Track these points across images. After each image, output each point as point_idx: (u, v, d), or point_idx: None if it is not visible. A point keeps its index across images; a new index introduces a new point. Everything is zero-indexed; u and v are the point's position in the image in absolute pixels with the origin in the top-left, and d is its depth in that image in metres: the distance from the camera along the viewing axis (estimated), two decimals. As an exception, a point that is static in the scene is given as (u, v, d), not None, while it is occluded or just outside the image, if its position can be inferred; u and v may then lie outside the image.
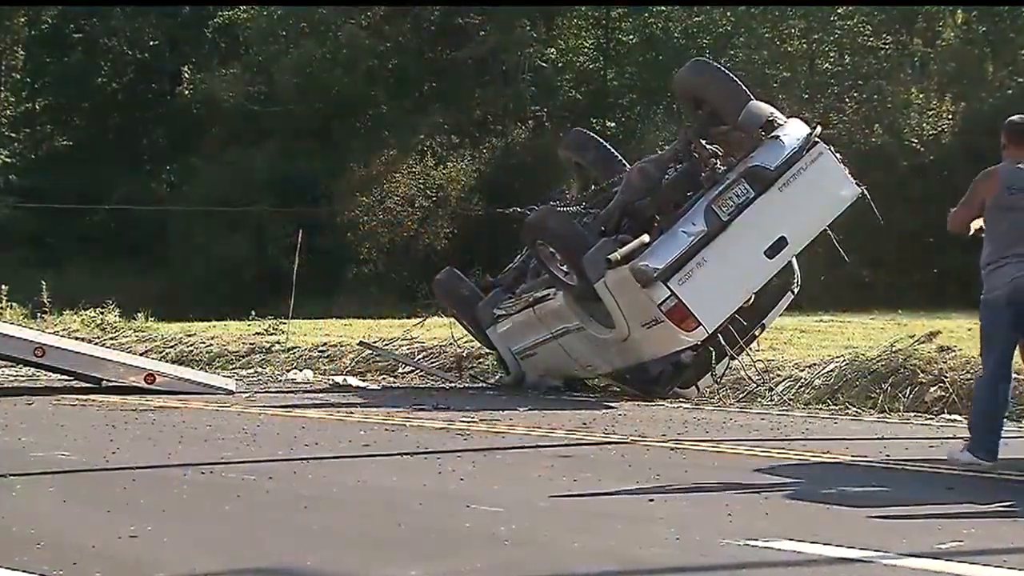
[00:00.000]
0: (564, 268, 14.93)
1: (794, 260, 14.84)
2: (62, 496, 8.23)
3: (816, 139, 14.36)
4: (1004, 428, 9.41)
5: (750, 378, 14.89)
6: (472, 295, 17.06)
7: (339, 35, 40.93)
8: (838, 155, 14.63)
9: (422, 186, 37.15)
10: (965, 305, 22.62)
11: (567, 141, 18.88)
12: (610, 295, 14.26)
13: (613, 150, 17.56)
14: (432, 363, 18.12)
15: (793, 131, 14.46)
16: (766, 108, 14.66)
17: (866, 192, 14.69)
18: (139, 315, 24.50)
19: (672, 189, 14.87)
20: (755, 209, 14.07)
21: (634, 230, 14.63)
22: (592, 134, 18.48)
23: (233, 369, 19.41)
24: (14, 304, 26.94)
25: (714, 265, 13.96)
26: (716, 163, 14.58)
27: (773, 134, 14.32)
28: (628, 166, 16.59)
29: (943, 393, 13.38)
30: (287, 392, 16.36)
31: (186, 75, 45.47)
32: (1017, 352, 9.47)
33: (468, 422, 12.53)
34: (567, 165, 18.23)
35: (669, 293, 13.87)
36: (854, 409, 13.67)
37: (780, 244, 14.22)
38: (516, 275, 16.94)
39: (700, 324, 14.05)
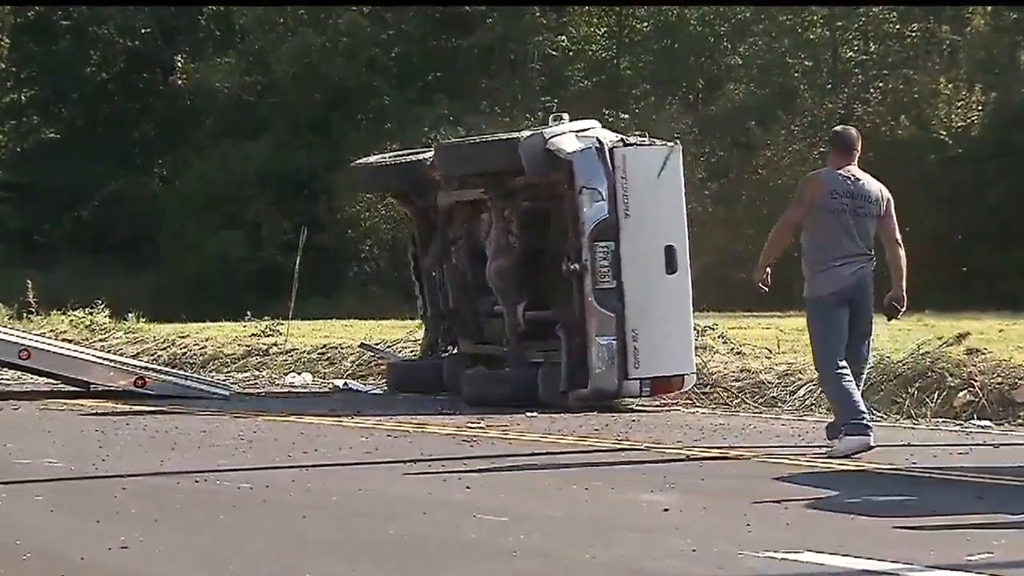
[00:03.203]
0: None
1: None
2: (49, 505, 8.24)
3: (609, 146, 14.33)
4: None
5: (769, 382, 14.89)
6: (432, 370, 16.52)
7: (339, 22, 40.94)
8: (632, 137, 14.73)
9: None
10: (994, 305, 22.69)
11: (360, 183, 18.92)
12: (590, 401, 14.36)
13: (406, 157, 17.40)
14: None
15: (585, 161, 14.28)
16: (536, 139, 14.56)
17: (677, 143, 14.75)
18: (130, 316, 24.52)
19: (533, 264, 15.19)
20: (627, 253, 14.14)
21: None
22: (373, 162, 18.23)
23: (228, 372, 19.41)
24: (-1, 304, 27.01)
25: (644, 326, 14.14)
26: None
27: (579, 186, 14.19)
28: (432, 158, 16.50)
29: (972, 398, 13.35)
30: (285, 396, 16.36)
31: (179, 64, 45.48)
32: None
33: (474, 428, 12.54)
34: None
35: (638, 382, 14.18)
36: (879, 415, 13.64)
37: (671, 253, 14.31)
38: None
39: (682, 376, 14.41)
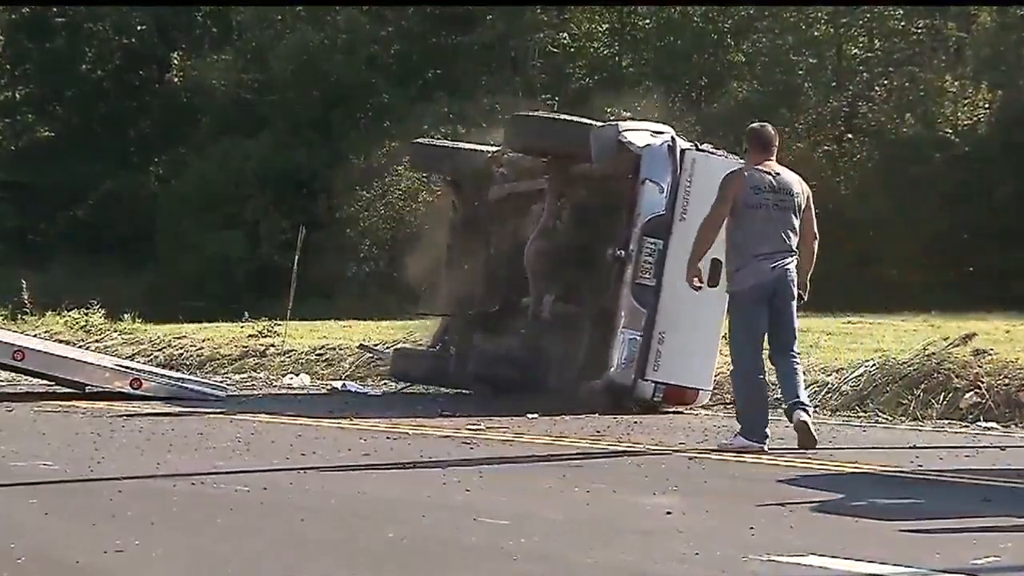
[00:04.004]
0: None
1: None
2: (44, 508, 8.23)
3: (681, 148, 14.37)
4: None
5: (772, 383, 14.89)
6: (437, 360, 16.73)
7: (338, 19, 40.94)
8: (707, 145, 14.72)
9: (426, 179, 37.15)
10: (1001, 305, 22.68)
11: (412, 160, 19.00)
12: (603, 398, 14.37)
13: (461, 145, 17.64)
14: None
15: (655, 155, 14.39)
16: (610, 129, 14.71)
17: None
18: (126, 316, 24.54)
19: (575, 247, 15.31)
20: (673, 256, 14.16)
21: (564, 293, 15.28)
22: (431, 143, 18.55)
23: (225, 373, 19.43)
24: (-7, 304, 27.03)
25: (673, 332, 14.22)
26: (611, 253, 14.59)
27: (643, 177, 14.31)
28: (485, 152, 16.64)
29: (979, 399, 13.36)
30: (283, 398, 16.36)
31: (176, 62, 45.49)
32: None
33: (474, 430, 12.54)
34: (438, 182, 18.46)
35: (653, 386, 14.23)
36: (884, 416, 13.66)
37: (716, 267, 14.32)
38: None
39: (698, 390, 14.47)
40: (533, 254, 15.39)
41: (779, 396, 11.29)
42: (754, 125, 11.72)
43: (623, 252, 14.26)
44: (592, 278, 14.91)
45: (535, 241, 15.44)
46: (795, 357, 11.12)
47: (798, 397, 10.89)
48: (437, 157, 17.62)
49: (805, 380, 14.68)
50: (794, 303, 11.05)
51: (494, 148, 16.86)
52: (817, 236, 11.21)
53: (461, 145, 17.99)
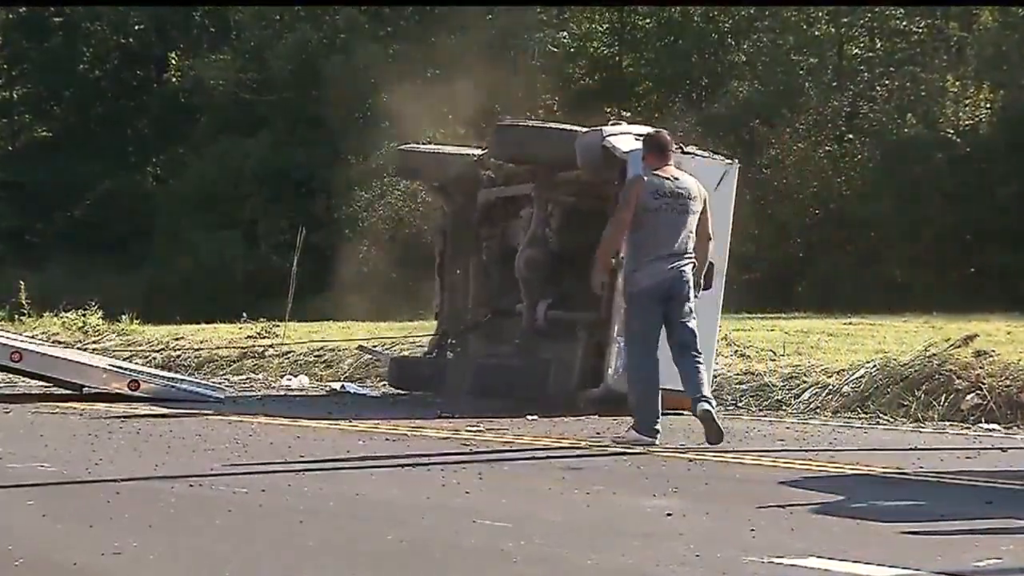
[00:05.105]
0: None
1: None
2: (41, 510, 8.23)
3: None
4: None
5: (773, 384, 14.90)
6: (435, 367, 16.66)
7: (337, 19, 40.93)
8: (692, 147, 14.71)
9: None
10: (1003, 306, 22.70)
11: (400, 168, 18.81)
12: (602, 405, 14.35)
13: (452, 149, 17.55)
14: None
15: (640, 159, 14.43)
16: (594, 135, 14.69)
17: (736, 161, 14.96)
18: (123, 317, 24.53)
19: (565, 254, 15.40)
20: None
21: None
22: (416, 149, 18.12)
23: (223, 375, 19.42)
24: (-10, 305, 27.02)
25: None
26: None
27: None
28: (471, 155, 16.63)
29: (980, 401, 13.37)
30: (281, 399, 16.36)
31: (174, 61, 45.49)
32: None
33: (474, 431, 12.55)
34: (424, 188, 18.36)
35: None
36: (885, 418, 13.67)
37: (709, 270, 14.26)
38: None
39: None
40: (524, 263, 15.38)
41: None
42: (651, 131, 12.23)
43: (613, 260, 14.28)
44: (585, 284, 14.93)
45: (525, 250, 15.43)
46: (697, 356, 11.39)
47: (701, 392, 11.21)
48: (425, 163, 17.42)
49: (806, 381, 14.80)
50: (690, 304, 11.42)
51: (479, 151, 16.80)
52: (712, 237, 11.67)
53: (447, 149, 17.86)
